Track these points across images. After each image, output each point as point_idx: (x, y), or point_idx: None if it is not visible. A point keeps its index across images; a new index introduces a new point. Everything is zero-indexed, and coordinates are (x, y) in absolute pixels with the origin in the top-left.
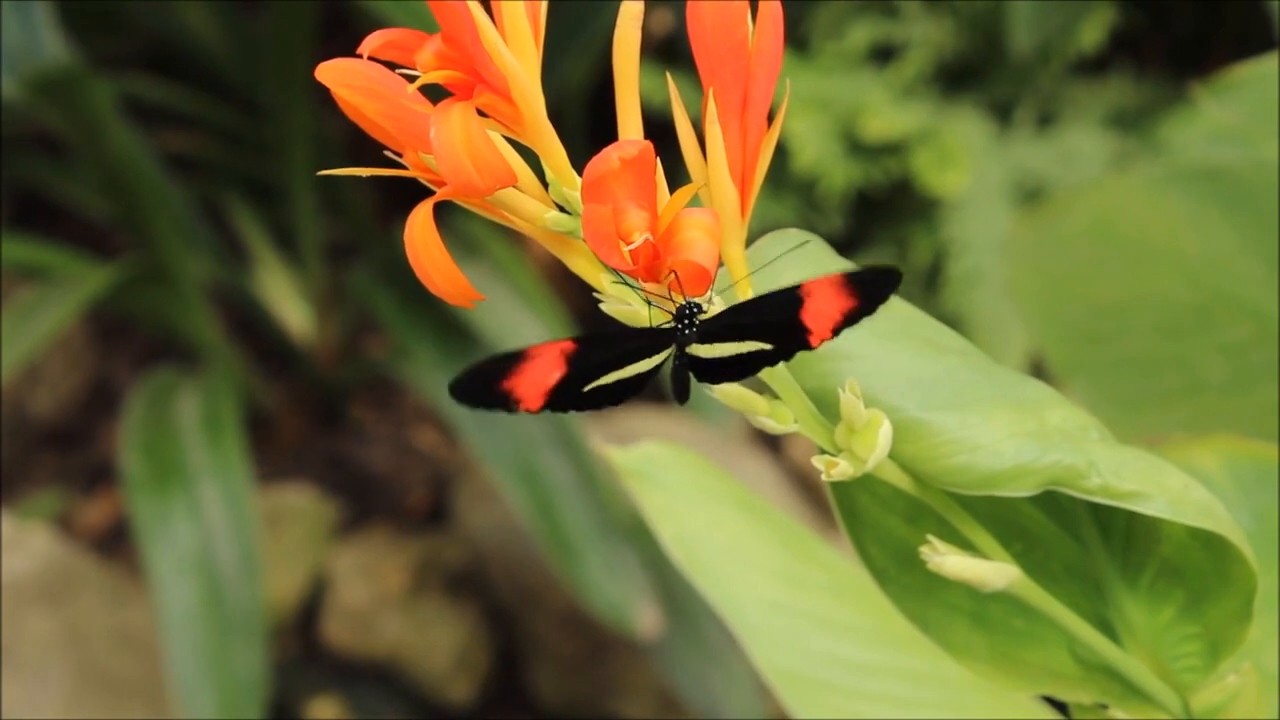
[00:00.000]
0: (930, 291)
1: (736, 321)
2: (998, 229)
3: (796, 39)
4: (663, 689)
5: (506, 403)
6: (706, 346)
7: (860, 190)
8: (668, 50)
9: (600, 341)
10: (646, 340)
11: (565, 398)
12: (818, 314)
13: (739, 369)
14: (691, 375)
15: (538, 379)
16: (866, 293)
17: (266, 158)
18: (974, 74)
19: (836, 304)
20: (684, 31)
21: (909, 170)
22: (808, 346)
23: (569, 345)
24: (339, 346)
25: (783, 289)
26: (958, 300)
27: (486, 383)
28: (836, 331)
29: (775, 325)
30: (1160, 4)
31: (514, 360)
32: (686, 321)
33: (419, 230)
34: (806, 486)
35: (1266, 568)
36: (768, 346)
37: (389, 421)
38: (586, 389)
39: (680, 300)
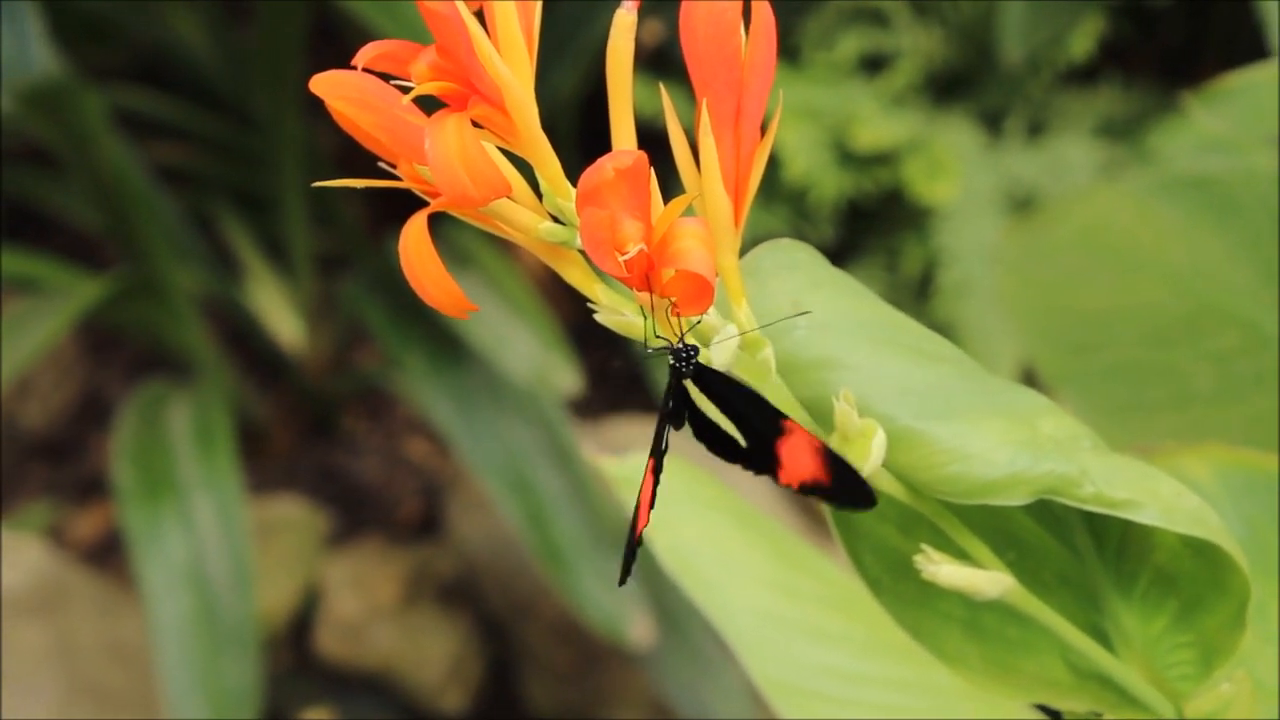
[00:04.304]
0: (921, 301)
1: (727, 393)
2: (988, 238)
3: (787, 49)
4: (655, 699)
5: (638, 545)
6: (697, 392)
7: (851, 200)
8: (659, 60)
9: (657, 438)
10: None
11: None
12: (793, 458)
13: (722, 448)
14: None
15: (645, 504)
16: (839, 484)
17: (257, 169)
18: (964, 83)
19: (811, 467)
20: (675, 41)
21: (899, 180)
22: (776, 479)
23: (650, 462)
24: (330, 357)
25: (770, 410)
26: (948, 309)
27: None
28: (803, 491)
29: (755, 431)
30: (1149, 14)
31: (635, 513)
32: (684, 365)
33: (413, 241)
34: (797, 496)
35: (1259, 576)
36: (743, 443)
37: (380, 432)
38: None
39: (675, 319)
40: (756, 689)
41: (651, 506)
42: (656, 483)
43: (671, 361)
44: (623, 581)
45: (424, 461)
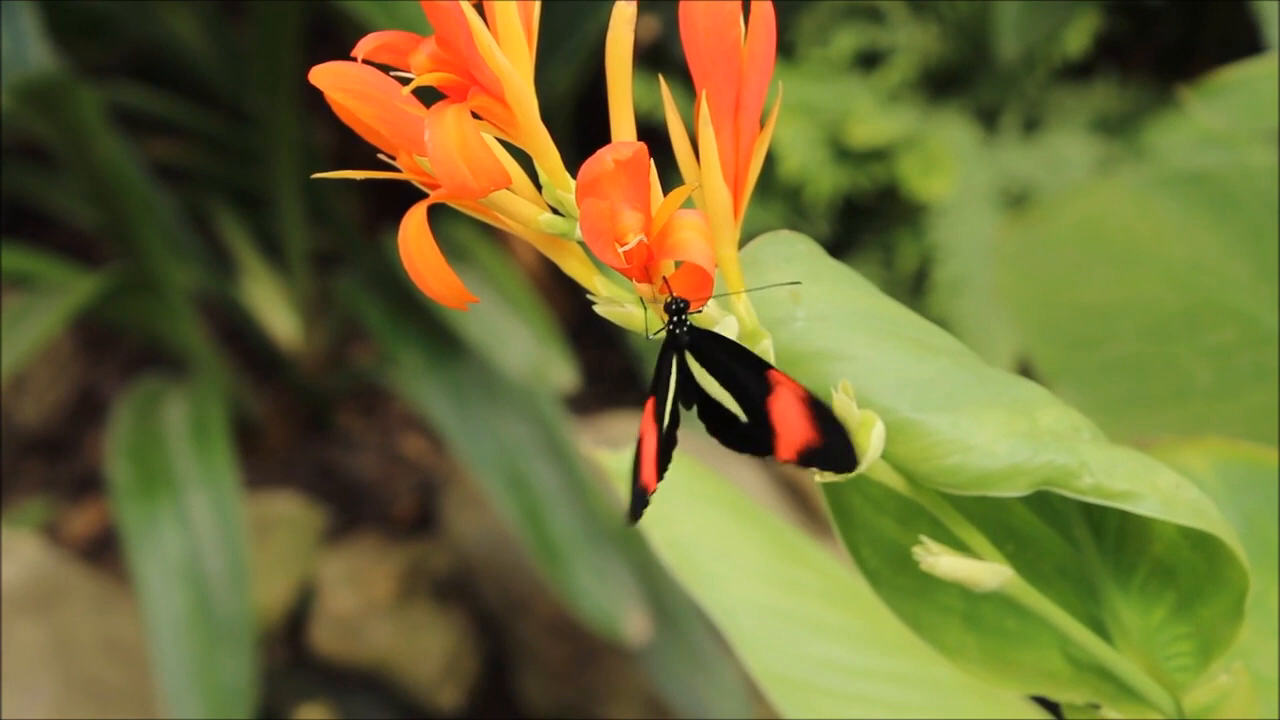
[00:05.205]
0: (916, 297)
1: (719, 354)
2: (984, 234)
3: (783, 45)
4: (651, 695)
5: (647, 497)
6: (698, 367)
7: (846, 196)
8: (655, 57)
9: (657, 381)
10: (668, 356)
11: (663, 456)
12: (784, 422)
13: (726, 432)
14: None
15: (649, 455)
16: (828, 441)
17: (253, 166)
18: (960, 80)
19: (800, 428)
20: (671, 37)
21: (895, 176)
22: (776, 454)
23: (649, 403)
24: (326, 354)
25: (754, 361)
26: (944, 306)
27: (640, 495)
28: (801, 462)
29: (749, 395)
30: (1145, 9)
31: (638, 455)
32: (677, 319)
33: (413, 232)
34: (794, 492)
35: (1257, 569)
36: (743, 417)
37: (376, 429)
38: (666, 433)
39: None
40: (753, 684)
41: (662, 465)
42: (664, 437)
43: (668, 323)
44: (632, 521)
45: (420, 458)
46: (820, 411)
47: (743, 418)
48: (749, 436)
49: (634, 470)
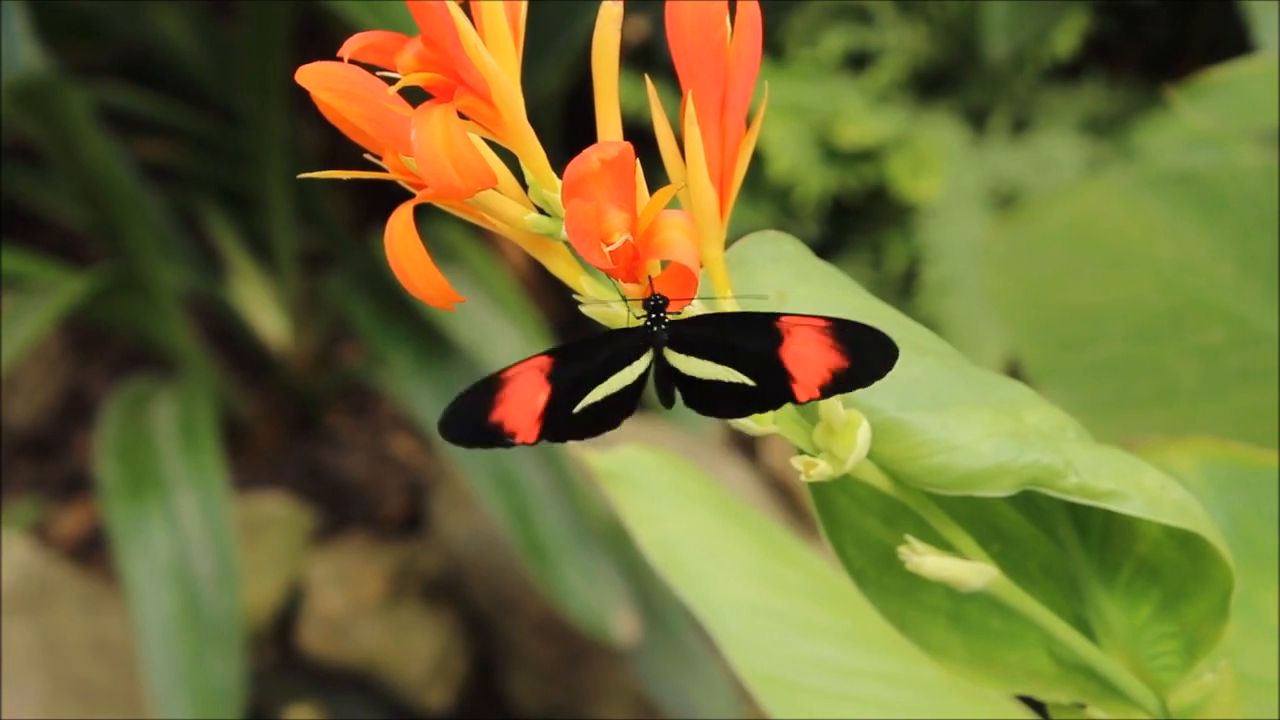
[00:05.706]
0: (905, 298)
1: (710, 334)
2: (972, 235)
3: (771, 46)
4: (640, 695)
5: (500, 437)
6: (683, 358)
7: (835, 197)
8: (643, 57)
9: (575, 350)
10: (620, 343)
11: (558, 423)
12: (802, 361)
13: (727, 404)
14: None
15: (525, 403)
16: (858, 356)
17: (242, 166)
18: (948, 80)
19: (823, 358)
20: (660, 38)
21: (884, 177)
22: (794, 399)
23: (544, 360)
24: (315, 354)
25: (758, 314)
26: (933, 306)
27: (473, 416)
28: (826, 393)
29: (754, 356)
30: (1134, 10)
31: (494, 386)
32: (655, 316)
33: (399, 232)
34: (783, 492)
35: (1243, 569)
36: (750, 381)
37: (365, 429)
38: (577, 410)
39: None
40: (742, 684)
41: (557, 431)
42: (562, 405)
43: (645, 318)
44: (447, 433)
45: (409, 458)
46: (843, 328)
47: (749, 383)
48: (756, 396)
49: (478, 395)
